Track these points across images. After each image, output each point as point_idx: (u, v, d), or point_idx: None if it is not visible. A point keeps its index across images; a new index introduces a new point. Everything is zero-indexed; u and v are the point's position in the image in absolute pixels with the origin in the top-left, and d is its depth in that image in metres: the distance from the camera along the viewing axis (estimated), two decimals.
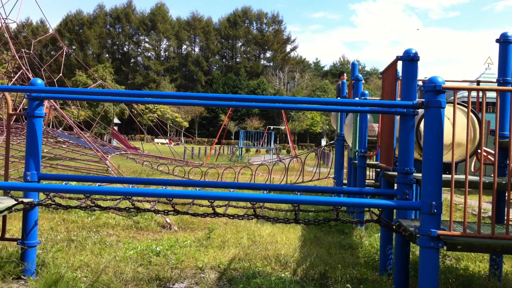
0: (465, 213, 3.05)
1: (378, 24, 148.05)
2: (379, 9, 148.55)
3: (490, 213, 6.41)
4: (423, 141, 3.11)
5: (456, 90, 3.06)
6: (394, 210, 4.29)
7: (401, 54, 3.81)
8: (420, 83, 5.05)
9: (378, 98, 7.59)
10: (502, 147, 4.24)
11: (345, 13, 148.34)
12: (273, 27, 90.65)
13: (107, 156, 10.12)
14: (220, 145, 33.34)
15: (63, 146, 12.16)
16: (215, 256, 4.85)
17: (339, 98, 11.11)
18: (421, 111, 3.84)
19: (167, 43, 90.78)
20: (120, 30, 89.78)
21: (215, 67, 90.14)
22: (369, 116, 7.07)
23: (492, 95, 9.48)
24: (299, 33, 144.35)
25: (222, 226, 6.44)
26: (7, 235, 4.40)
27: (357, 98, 6.55)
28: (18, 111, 9.81)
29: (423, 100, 3.15)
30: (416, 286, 3.28)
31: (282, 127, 50.58)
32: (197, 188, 4.21)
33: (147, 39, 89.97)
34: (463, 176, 3.39)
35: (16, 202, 3.69)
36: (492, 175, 3.26)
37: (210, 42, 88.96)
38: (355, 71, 8.10)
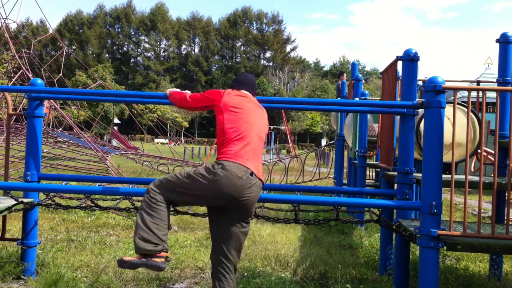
0: (465, 213, 3.05)
1: (377, 24, 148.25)
2: (377, 9, 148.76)
3: (490, 213, 6.41)
4: (423, 141, 3.11)
5: (456, 90, 3.06)
6: (394, 210, 4.29)
7: (401, 54, 3.81)
8: (420, 83, 5.06)
9: (378, 98, 7.59)
10: (502, 147, 4.24)
11: (343, 13, 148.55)
12: (273, 27, 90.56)
13: (107, 156, 10.11)
14: None
15: (63, 146, 12.15)
16: None
17: (339, 98, 11.12)
18: (421, 111, 3.84)
19: (167, 43, 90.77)
20: (120, 30, 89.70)
21: (215, 67, 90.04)
22: (369, 116, 7.07)
23: (492, 95, 9.49)
24: (298, 34, 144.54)
25: None
26: (7, 235, 4.40)
27: (357, 98, 6.55)
28: (18, 111, 9.81)
29: (423, 100, 3.15)
30: (416, 286, 3.28)
31: (282, 127, 50.57)
32: None
33: (147, 39, 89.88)
34: (463, 176, 3.39)
35: (16, 202, 3.69)
36: (492, 175, 3.26)
37: (210, 42, 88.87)
38: (355, 71, 8.10)
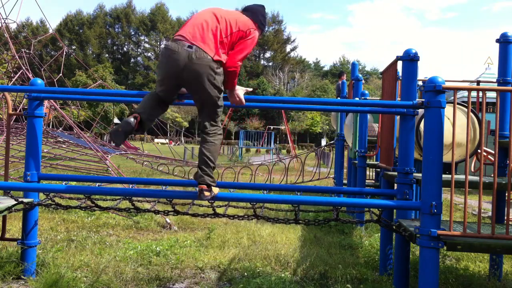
0: (465, 213, 3.05)
1: (376, 24, 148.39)
2: (377, 9, 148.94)
3: (490, 213, 6.41)
4: (423, 141, 3.11)
5: (456, 90, 3.06)
6: (394, 210, 4.28)
7: (401, 54, 3.81)
8: (420, 83, 5.06)
9: (378, 98, 7.59)
10: (502, 147, 4.24)
11: (343, 13, 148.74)
12: (273, 27, 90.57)
13: (107, 156, 10.11)
14: (220, 145, 33.21)
15: (63, 146, 12.15)
16: (215, 256, 4.85)
17: (339, 98, 11.12)
18: (421, 111, 3.84)
19: None
20: (120, 30, 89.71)
21: None
22: (369, 116, 7.07)
23: (492, 95, 9.48)
24: (298, 34, 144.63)
25: (222, 226, 6.43)
26: (7, 235, 4.40)
27: (357, 98, 6.55)
28: (18, 111, 9.81)
29: (423, 100, 3.15)
30: (416, 286, 3.28)
31: (282, 127, 50.53)
32: (197, 189, 4.20)
33: (147, 39, 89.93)
34: (463, 176, 3.39)
35: (16, 202, 3.69)
36: (492, 175, 3.26)
37: None
38: (355, 71, 8.10)
